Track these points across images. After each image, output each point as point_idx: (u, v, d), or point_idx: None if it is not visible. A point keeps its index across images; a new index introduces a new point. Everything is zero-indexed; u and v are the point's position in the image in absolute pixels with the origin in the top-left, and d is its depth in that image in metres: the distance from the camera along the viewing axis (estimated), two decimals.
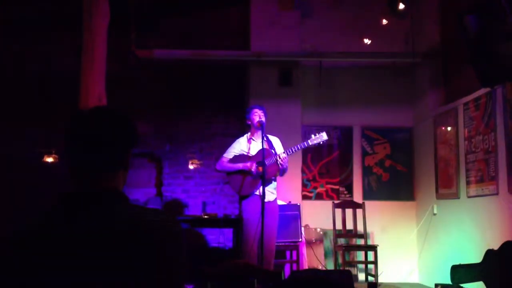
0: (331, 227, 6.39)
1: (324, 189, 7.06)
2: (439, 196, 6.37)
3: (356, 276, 6.64)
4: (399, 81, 7.11)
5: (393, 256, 6.75)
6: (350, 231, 6.44)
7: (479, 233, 5.42)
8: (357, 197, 6.98)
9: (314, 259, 6.40)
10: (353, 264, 6.64)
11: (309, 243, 6.45)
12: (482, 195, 5.40)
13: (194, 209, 6.98)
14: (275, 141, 5.05)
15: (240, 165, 4.94)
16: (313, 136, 4.98)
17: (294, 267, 6.01)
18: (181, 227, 1.35)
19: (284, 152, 4.88)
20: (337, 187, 7.07)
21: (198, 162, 6.85)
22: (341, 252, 6.16)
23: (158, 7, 7.17)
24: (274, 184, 5.00)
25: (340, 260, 6.22)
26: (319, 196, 7.03)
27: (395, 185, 7.09)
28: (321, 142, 5.02)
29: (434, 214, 6.45)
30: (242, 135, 5.23)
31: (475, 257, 5.03)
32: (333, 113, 7.13)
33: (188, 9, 7.24)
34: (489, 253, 4.62)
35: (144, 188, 7.12)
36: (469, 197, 5.67)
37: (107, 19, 4.77)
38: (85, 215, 1.26)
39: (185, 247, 1.32)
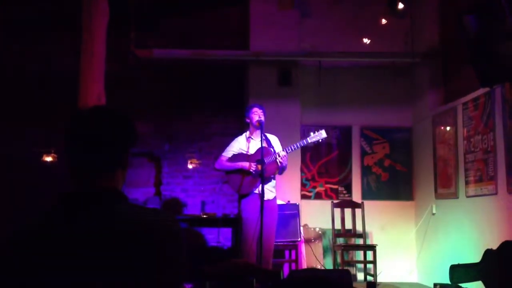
0: (330, 226, 6.40)
1: (323, 188, 7.06)
2: (438, 196, 6.38)
3: (355, 275, 6.64)
4: (398, 81, 7.10)
5: (392, 256, 6.75)
6: (349, 230, 6.45)
7: (478, 232, 5.42)
8: (356, 196, 6.98)
9: (313, 258, 6.41)
10: (352, 263, 6.64)
11: (308, 243, 6.46)
12: (481, 195, 5.40)
13: (193, 209, 6.98)
14: (274, 140, 5.06)
15: (239, 164, 4.94)
16: (312, 133, 4.98)
17: (293, 267, 6.02)
18: (181, 227, 1.35)
19: (283, 150, 4.88)
20: (336, 186, 7.07)
21: (197, 162, 6.85)
22: (340, 251, 6.17)
23: (158, 6, 7.16)
24: (273, 182, 5.00)
25: (339, 260, 6.23)
26: (318, 196, 7.03)
27: (394, 184, 7.09)
28: (320, 140, 5.02)
29: (433, 214, 6.46)
30: (241, 134, 5.24)
31: (474, 256, 5.03)
32: (332, 112, 7.13)
33: (187, 9, 7.24)
34: (488, 253, 4.62)
35: (143, 188, 7.11)
36: (468, 197, 5.67)
37: (106, 19, 4.77)
38: (85, 215, 1.26)
39: (184, 247, 1.32)
